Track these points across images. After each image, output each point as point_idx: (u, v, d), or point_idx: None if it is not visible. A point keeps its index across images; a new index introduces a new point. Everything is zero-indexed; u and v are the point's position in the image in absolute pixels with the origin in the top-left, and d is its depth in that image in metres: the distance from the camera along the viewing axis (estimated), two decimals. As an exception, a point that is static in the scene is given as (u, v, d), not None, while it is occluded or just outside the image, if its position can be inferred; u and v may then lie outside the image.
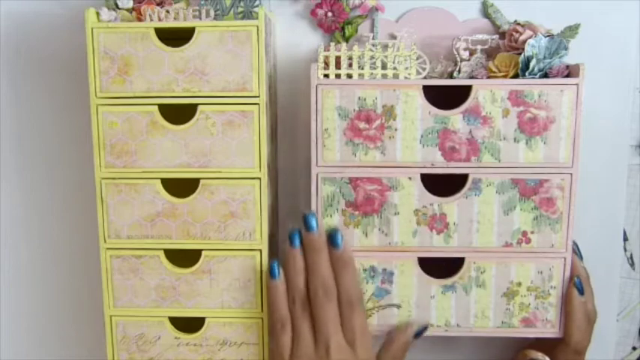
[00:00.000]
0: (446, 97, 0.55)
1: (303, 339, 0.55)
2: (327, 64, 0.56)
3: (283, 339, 0.55)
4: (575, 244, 0.58)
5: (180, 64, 0.55)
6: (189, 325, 0.59)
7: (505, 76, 0.57)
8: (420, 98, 0.55)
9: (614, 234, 0.65)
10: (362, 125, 0.56)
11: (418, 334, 0.58)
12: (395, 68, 0.56)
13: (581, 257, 0.60)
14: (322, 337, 0.54)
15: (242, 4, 0.56)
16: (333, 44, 0.56)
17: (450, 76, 0.59)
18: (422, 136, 0.56)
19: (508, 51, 0.58)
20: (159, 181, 0.57)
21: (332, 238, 0.55)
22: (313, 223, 0.55)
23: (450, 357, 0.68)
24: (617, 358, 0.68)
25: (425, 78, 0.57)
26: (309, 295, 0.55)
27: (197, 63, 0.55)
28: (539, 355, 0.59)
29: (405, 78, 0.56)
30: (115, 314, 0.59)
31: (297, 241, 0.56)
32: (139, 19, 0.56)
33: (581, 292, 0.57)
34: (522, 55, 0.56)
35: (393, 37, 0.61)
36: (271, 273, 0.56)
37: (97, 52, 0.55)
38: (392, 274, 0.58)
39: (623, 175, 0.64)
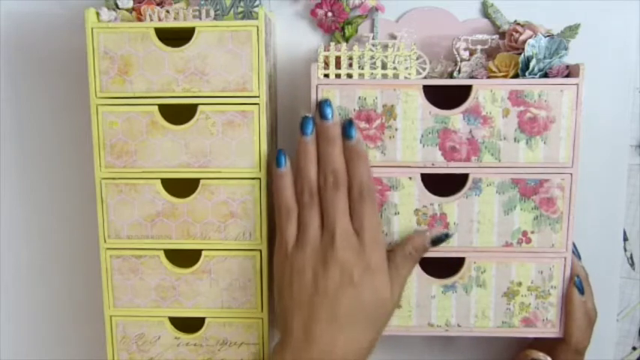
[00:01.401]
0: (446, 97, 0.55)
1: (309, 227, 0.53)
2: (327, 64, 0.56)
3: (289, 228, 0.54)
4: (573, 244, 0.57)
5: (180, 64, 0.55)
6: (189, 325, 0.59)
7: (505, 76, 0.57)
8: (420, 98, 0.55)
9: (614, 234, 0.65)
10: (362, 125, 0.56)
11: (436, 241, 0.56)
12: (395, 68, 0.56)
13: (579, 257, 0.60)
14: (329, 224, 0.53)
15: (242, 4, 0.56)
16: (333, 44, 0.56)
17: (450, 76, 0.59)
18: (422, 136, 0.56)
19: (508, 51, 0.58)
20: (159, 181, 0.57)
21: (347, 128, 0.54)
22: (328, 111, 0.54)
23: (450, 357, 0.68)
24: (617, 358, 0.68)
25: (425, 78, 0.57)
26: (319, 184, 0.54)
27: (197, 63, 0.55)
28: (541, 354, 0.59)
29: (405, 78, 0.56)
30: (115, 314, 0.59)
31: (309, 129, 0.54)
32: (139, 19, 0.56)
33: (582, 291, 0.57)
34: (522, 55, 0.56)
35: (393, 37, 0.61)
36: (277, 162, 0.55)
37: (97, 52, 0.55)
38: (392, 274, 0.58)
39: (623, 175, 0.64)
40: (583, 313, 0.57)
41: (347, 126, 0.54)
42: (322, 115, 0.54)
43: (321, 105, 0.54)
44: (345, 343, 0.52)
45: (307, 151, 0.55)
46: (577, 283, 0.57)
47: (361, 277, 0.52)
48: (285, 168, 0.55)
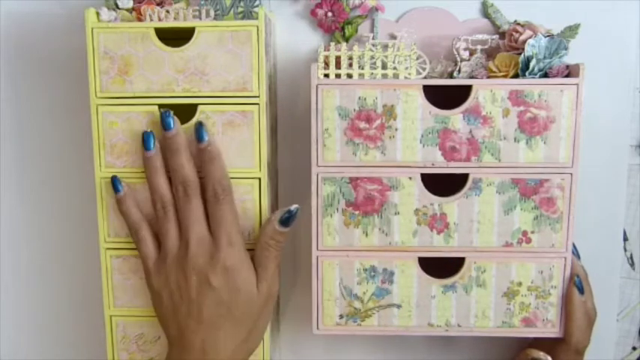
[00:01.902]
0: (446, 97, 0.55)
1: (167, 239, 0.55)
2: (327, 64, 0.56)
3: (143, 246, 0.56)
4: (572, 244, 0.57)
5: (180, 64, 0.55)
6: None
7: (505, 76, 0.57)
8: (420, 98, 0.55)
9: (614, 234, 0.65)
10: (362, 125, 0.56)
11: (284, 221, 0.55)
12: (395, 68, 0.56)
13: (578, 257, 0.60)
14: (184, 234, 0.55)
15: (242, 4, 0.56)
16: (333, 44, 0.56)
17: (450, 76, 0.59)
18: (422, 136, 0.56)
19: (508, 51, 0.58)
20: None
21: (197, 132, 0.55)
22: (169, 121, 0.54)
23: (450, 357, 0.68)
24: (617, 358, 0.68)
25: (425, 78, 0.57)
26: (174, 195, 0.55)
27: (197, 63, 0.55)
28: (541, 354, 0.59)
29: (405, 78, 0.56)
30: (115, 314, 0.59)
31: (150, 144, 0.55)
32: (139, 19, 0.56)
33: (581, 291, 0.57)
34: (522, 55, 0.56)
35: (393, 37, 0.61)
36: (114, 188, 0.56)
37: (97, 52, 0.55)
38: (392, 273, 0.58)
39: (623, 175, 0.64)
40: (583, 312, 0.57)
41: (197, 130, 0.55)
42: (164, 127, 0.55)
43: (162, 116, 0.55)
44: (217, 343, 0.54)
45: (152, 166, 0.55)
46: (577, 283, 0.57)
47: (218, 279, 0.53)
48: (123, 192, 0.56)
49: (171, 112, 0.55)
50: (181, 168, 0.54)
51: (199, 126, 0.55)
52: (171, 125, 0.55)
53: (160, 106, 0.56)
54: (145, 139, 0.55)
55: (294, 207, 0.56)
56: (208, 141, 0.55)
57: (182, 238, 0.55)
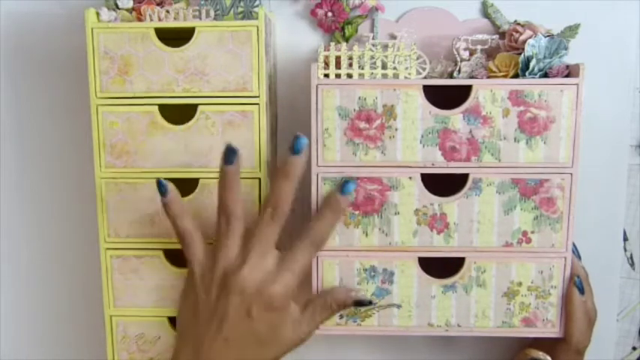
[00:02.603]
0: (446, 97, 0.55)
1: (224, 252, 0.53)
2: (327, 64, 0.56)
3: (192, 249, 0.54)
4: (573, 244, 0.57)
5: (180, 64, 0.55)
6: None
7: (505, 76, 0.57)
8: (420, 98, 0.55)
9: (614, 234, 0.65)
10: (362, 125, 0.56)
11: (358, 304, 0.56)
12: (395, 68, 0.56)
13: (579, 257, 0.60)
14: (246, 248, 0.52)
15: (242, 4, 0.56)
16: (333, 44, 0.56)
17: (450, 76, 0.59)
18: (422, 136, 0.56)
19: (508, 51, 0.58)
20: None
21: (344, 186, 0.54)
22: (302, 145, 0.53)
23: (450, 357, 0.68)
24: (617, 358, 0.68)
25: (425, 78, 0.57)
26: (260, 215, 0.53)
27: (197, 63, 0.55)
28: (541, 354, 0.59)
29: (405, 78, 0.56)
30: (115, 314, 0.59)
31: (232, 159, 0.52)
32: (139, 19, 0.56)
33: (582, 291, 0.57)
34: (522, 55, 0.56)
35: (393, 37, 0.61)
36: (160, 191, 0.53)
37: (97, 52, 0.55)
38: (392, 273, 0.58)
39: (623, 175, 0.64)
40: (583, 312, 0.57)
41: (344, 184, 0.54)
42: (295, 149, 0.53)
43: (227, 150, 0.52)
44: None
45: (230, 180, 0.52)
46: (577, 283, 0.57)
47: (259, 311, 0.52)
48: (172, 195, 0.54)
49: (237, 149, 0.53)
50: (281, 192, 0.52)
51: (348, 183, 0.54)
52: (301, 150, 0.53)
53: (160, 106, 0.56)
54: (228, 152, 0.52)
55: (375, 301, 0.57)
56: (346, 199, 0.54)
57: (242, 253, 0.53)
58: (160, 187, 0.53)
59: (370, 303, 0.57)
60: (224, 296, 0.52)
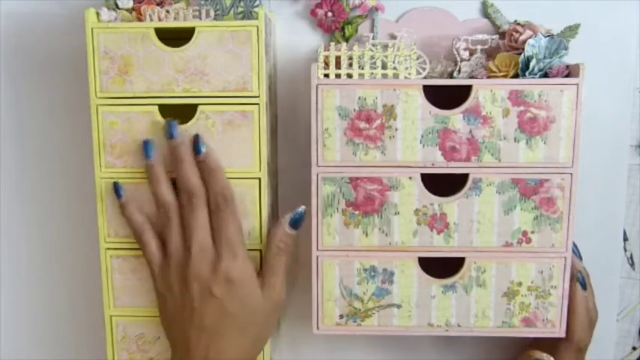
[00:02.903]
0: (446, 97, 0.55)
1: (170, 246, 0.55)
2: (327, 64, 0.56)
3: (147, 252, 0.56)
4: (574, 244, 0.57)
5: (180, 64, 0.55)
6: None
7: (505, 76, 0.57)
8: (420, 98, 0.55)
9: (614, 234, 0.65)
10: (362, 125, 0.56)
11: (294, 223, 0.56)
12: (395, 68, 0.56)
13: (580, 257, 0.60)
14: (186, 241, 0.54)
15: (242, 4, 0.56)
16: (333, 44, 0.56)
17: (450, 76, 0.59)
18: (422, 136, 0.56)
19: (508, 51, 0.58)
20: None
21: (195, 145, 0.55)
22: (174, 130, 0.54)
23: (450, 357, 0.68)
24: (617, 358, 0.68)
25: (425, 78, 0.57)
26: (179, 203, 0.55)
27: (197, 63, 0.55)
28: (544, 355, 0.59)
29: (405, 78, 0.56)
30: (115, 314, 0.59)
31: (151, 152, 0.55)
32: (139, 19, 0.56)
33: (584, 286, 0.57)
34: (522, 55, 0.56)
35: (393, 37, 0.61)
36: (116, 194, 0.56)
37: (97, 52, 0.55)
38: (392, 273, 0.58)
39: (623, 175, 0.64)
40: (585, 309, 0.57)
41: (195, 142, 0.55)
42: (168, 135, 0.55)
43: (166, 125, 0.55)
44: (221, 352, 0.53)
45: (154, 174, 0.55)
46: (580, 279, 0.57)
47: (221, 290, 0.53)
48: (124, 198, 0.56)
49: (176, 122, 0.55)
50: (186, 177, 0.54)
51: (196, 138, 0.54)
52: (175, 134, 0.54)
53: (160, 106, 0.56)
54: (144, 147, 0.55)
55: (301, 208, 0.56)
56: (206, 153, 0.54)
57: (185, 246, 0.55)
58: (115, 189, 0.56)
59: (301, 213, 0.56)
60: (185, 288, 0.54)
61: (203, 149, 0.54)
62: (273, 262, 0.55)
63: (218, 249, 0.54)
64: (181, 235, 0.55)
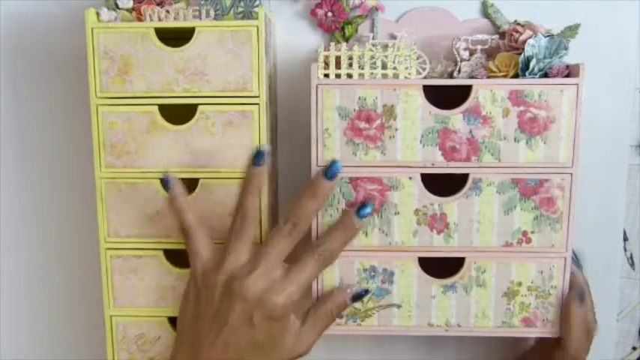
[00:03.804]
0: (446, 97, 0.55)
1: (233, 255, 0.52)
2: (327, 64, 0.56)
3: (196, 246, 0.53)
4: (574, 253, 0.57)
5: (180, 64, 0.55)
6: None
7: (505, 76, 0.57)
8: (420, 98, 0.55)
9: (614, 234, 0.65)
10: (362, 125, 0.56)
11: (356, 298, 0.56)
12: (395, 68, 0.56)
13: (580, 267, 0.60)
14: (255, 257, 0.52)
15: (242, 4, 0.56)
16: (333, 44, 0.56)
17: (450, 76, 0.59)
18: (422, 136, 0.56)
19: (508, 51, 0.58)
20: (158, 181, 0.57)
21: (361, 208, 0.54)
22: (338, 170, 0.53)
23: (450, 357, 0.68)
24: (617, 358, 0.68)
25: (425, 78, 0.57)
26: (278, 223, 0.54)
27: (197, 63, 0.55)
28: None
29: (405, 78, 0.56)
30: (115, 314, 0.59)
31: (261, 160, 0.53)
32: (139, 19, 0.56)
33: (582, 300, 0.56)
34: (522, 55, 0.56)
35: (393, 37, 0.61)
36: (165, 187, 0.54)
37: (97, 52, 0.55)
38: (392, 273, 0.58)
39: (623, 175, 0.64)
40: (582, 323, 0.56)
41: (361, 207, 0.54)
42: (328, 174, 0.53)
43: (258, 152, 0.53)
44: None
45: (256, 182, 0.53)
46: (577, 293, 0.56)
47: (260, 320, 0.52)
48: (175, 186, 0.54)
49: (267, 150, 0.53)
50: (309, 212, 0.53)
51: (364, 206, 0.55)
52: (334, 175, 0.53)
53: (160, 106, 0.56)
54: (257, 154, 0.53)
55: (370, 288, 0.57)
56: (361, 222, 0.55)
57: (250, 262, 0.52)
58: (164, 182, 0.54)
59: (367, 292, 0.57)
60: (227, 300, 0.52)
61: (366, 216, 0.55)
62: (319, 321, 0.55)
63: (283, 281, 0.52)
64: (251, 253, 0.53)
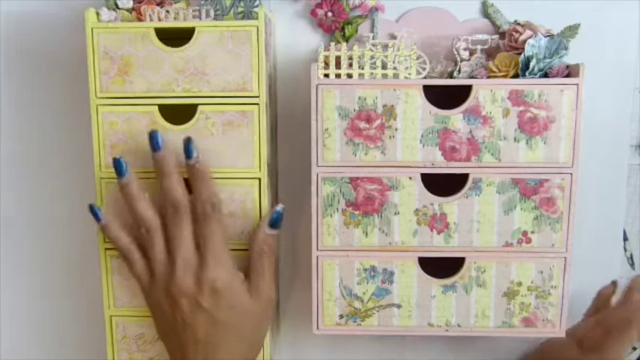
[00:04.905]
0: (446, 97, 0.55)
1: (155, 262, 0.54)
2: (327, 64, 0.56)
3: (135, 271, 0.55)
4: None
5: (180, 64, 0.55)
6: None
7: (505, 76, 0.57)
8: (420, 98, 0.55)
9: (614, 234, 0.65)
10: (362, 125, 0.56)
11: (274, 224, 0.56)
12: (395, 68, 0.56)
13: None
14: (171, 256, 0.54)
15: (242, 4, 0.56)
16: (333, 44, 0.56)
17: (450, 76, 0.59)
18: (422, 136, 0.56)
19: (508, 51, 0.58)
20: (158, 181, 0.57)
21: (186, 148, 0.54)
22: (159, 141, 0.53)
23: (450, 357, 0.68)
24: (617, 358, 0.68)
25: (425, 78, 0.57)
26: (164, 216, 0.54)
27: (197, 63, 0.55)
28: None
29: (405, 78, 0.56)
30: (115, 314, 0.59)
31: (123, 170, 0.54)
32: (139, 19, 0.56)
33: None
34: (522, 55, 0.56)
35: (393, 37, 0.61)
36: (94, 216, 0.55)
37: (97, 52, 0.55)
38: (392, 273, 0.58)
39: (623, 175, 0.64)
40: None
41: (185, 146, 0.54)
42: (152, 147, 0.54)
43: (150, 136, 0.54)
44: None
45: (131, 193, 0.54)
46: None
47: (209, 301, 0.53)
48: (105, 220, 0.55)
49: (160, 133, 0.54)
50: (172, 190, 0.54)
51: (188, 142, 0.53)
52: (160, 145, 0.54)
53: (160, 106, 0.56)
54: (116, 165, 0.54)
55: (279, 207, 0.56)
56: (197, 158, 0.54)
57: (169, 260, 0.54)
58: (93, 212, 0.55)
59: (279, 213, 0.56)
60: (174, 304, 0.53)
61: (194, 154, 0.53)
62: (258, 265, 0.55)
63: (203, 259, 0.53)
64: (165, 251, 0.54)
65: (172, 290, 0.53)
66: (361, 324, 0.59)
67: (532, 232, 0.57)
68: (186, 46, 0.55)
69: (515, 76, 0.57)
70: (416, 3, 0.61)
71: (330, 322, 0.58)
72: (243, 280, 0.55)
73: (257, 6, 0.56)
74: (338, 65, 0.56)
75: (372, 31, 0.61)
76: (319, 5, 0.61)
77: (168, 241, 0.54)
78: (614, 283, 0.61)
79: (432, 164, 0.56)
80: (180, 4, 0.58)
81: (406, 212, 0.57)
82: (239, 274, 0.55)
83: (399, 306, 0.58)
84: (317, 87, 0.55)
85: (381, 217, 0.57)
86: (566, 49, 0.56)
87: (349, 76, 0.56)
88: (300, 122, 0.64)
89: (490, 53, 0.59)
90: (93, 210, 0.55)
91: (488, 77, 0.57)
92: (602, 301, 0.60)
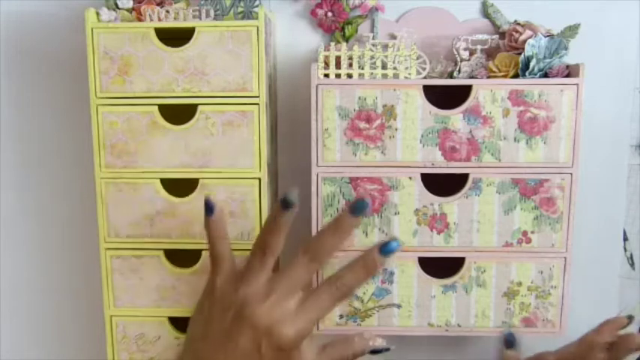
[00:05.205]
0: (446, 97, 0.55)
1: (252, 281, 0.50)
2: (327, 64, 0.56)
3: (221, 248, 0.52)
4: (511, 334, 0.55)
5: (180, 64, 0.55)
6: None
7: (505, 76, 0.57)
8: (420, 98, 0.55)
9: (614, 234, 0.65)
10: (362, 125, 0.56)
11: (375, 352, 0.52)
12: (395, 68, 0.56)
13: (515, 347, 0.56)
14: (274, 282, 0.50)
15: (242, 4, 0.56)
16: (333, 44, 0.56)
17: (450, 76, 0.59)
18: (422, 136, 0.56)
19: (508, 51, 0.58)
20: (158, 180, 0.57)
21: (384, 247, 0.49)
22: (364, 208, 0.48)
23: (450, 357, 0.68)
24: (617, 358, 0.68)
25: (425, 78, 0.57)
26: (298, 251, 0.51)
27: (197, 63, 0.55)
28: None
29: (405, 78, 0.56)
30: (115, 314, 0.59)
31: (290, 205, 0.49)
32: (139, 19, 0.56)
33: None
34: (522, 55, 0.56)
35: (393, 37, 0.61)
36: (208, 210, 0.51)
37: (97, 52, 0.55)
38: (392, 273, 0.58)
39: (623, 175, 0.64)
40: None
41: (386, 244, 0.49)
42: (354, 210, 0.49)
43: (206, 203, 0.50)
44: None
45: (281, 222, 0.50)
46: None
47: (267, 351, 0.49)
48: (215, 215, 0.51)
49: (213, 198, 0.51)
50: (325, 245, 0.50)
51: (389, 246, 0.49)
52: (360, 212, 0.49)
53: (160, 106, 0.56)
54: (285, 201, 0.49)
55: (390, 347, 0.52)
56: (385, 262, 0.49)
57: (265, 291, 0.50)
58: (207, 205, 0.51)
59: (388, 350, 0.52)
60: (238, 324, 0.50)
61: (392, 254, 0.49)
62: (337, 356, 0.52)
63: (296, 315, 0.50)
64: (268, 280, 0.51)
65: (247, 312, 0.49)
66: (361, 324, 0.59)
67: (532, 232, 0.57)
68: (186, 46, 0.55)
69: (515, 76, 0.57)
70: (416, 3, 0.61)
71: (330, 322, 0.58)
72: (309, 357, 0.51)
73: (257, 6, 0.56)
74: (338, 65, 0.56)
75: (372, 31, 0.61)
76: (319, 5, 0.61)
77: (276, 273, 0.51)
78: (630, 318, 0.58)
79: (432, 164, 0.56)
80: (180, 4, 0.58)
81: (406, 212, 0.57)
82: (308, 351, 0.51)
83: (399, 306, 0.58)
84: (317, 87, 0.55)
85: (381, 217, 0.57)
86: (566, 49, 0.56)
87: (349, 76, 0.56)
88: (300, 122, 0.64)
89: (490, 53, 0.59)
90: (208, 203, 0.51)
91: (488, 77, 0.57)
92: (587, 345, 0.58)
